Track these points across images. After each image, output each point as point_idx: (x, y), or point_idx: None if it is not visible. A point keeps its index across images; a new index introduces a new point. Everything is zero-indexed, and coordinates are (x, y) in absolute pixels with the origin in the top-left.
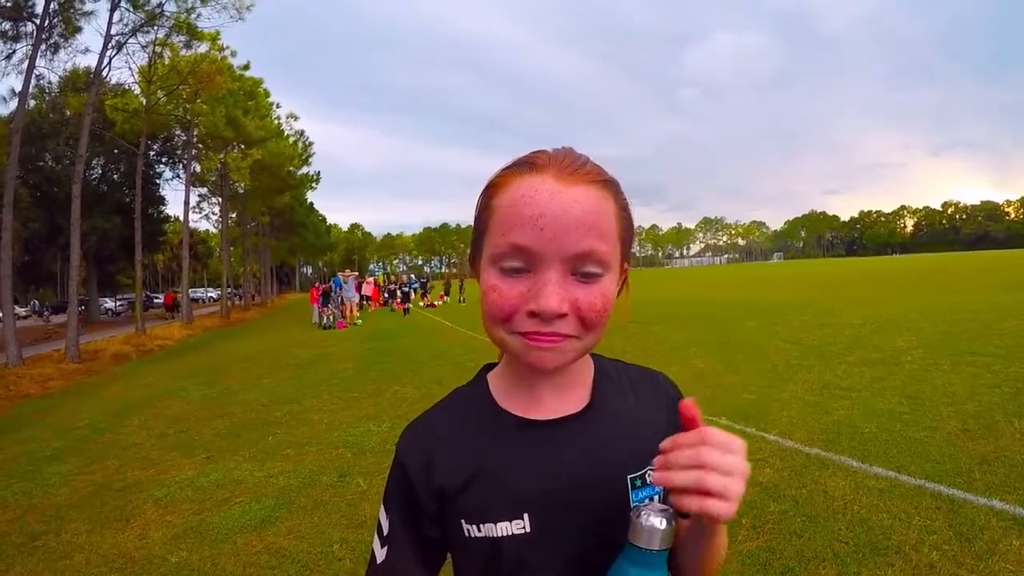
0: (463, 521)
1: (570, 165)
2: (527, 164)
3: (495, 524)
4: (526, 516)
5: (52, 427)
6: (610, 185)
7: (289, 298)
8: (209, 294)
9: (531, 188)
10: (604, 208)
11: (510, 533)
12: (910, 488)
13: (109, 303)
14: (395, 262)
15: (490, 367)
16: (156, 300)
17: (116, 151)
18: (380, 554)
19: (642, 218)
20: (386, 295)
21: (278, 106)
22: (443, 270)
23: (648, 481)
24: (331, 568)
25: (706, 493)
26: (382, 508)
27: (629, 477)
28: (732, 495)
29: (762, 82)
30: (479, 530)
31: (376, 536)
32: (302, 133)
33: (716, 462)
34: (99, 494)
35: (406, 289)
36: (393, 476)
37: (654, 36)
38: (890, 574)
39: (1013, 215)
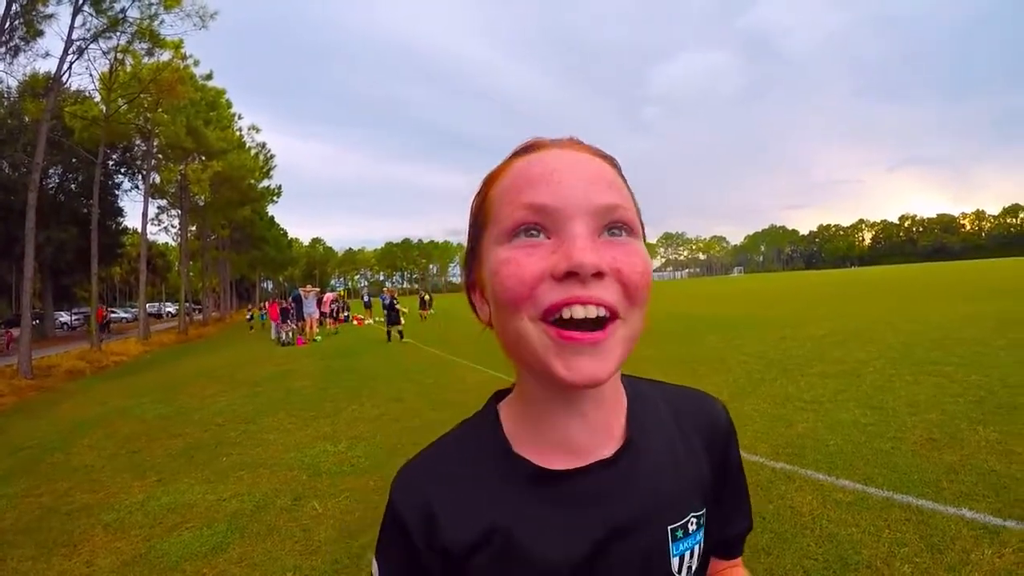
0: None
1: (574, 143)
2: (525, 147)
3: None
4: None
5: (0, 446)
6: (616, 162)
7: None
8: (167, 309)
9: (536, 157)
10: (618, 177)
11: None
12: (878, 500)
13: (64, 317)
14: (356, 277)
15: (502, 395)
16: (113, 314)
17: (74, 160)
18: None
19: None
20: (338, 309)
21: (240, 117)
22: (403, 285)
23: (690, 531)
24: None
25: None
26: (375, 562)
27: (669, 528)
28: None
29: (725, 100)
30: None
31: None
32: (263, 145)
33: None
34: (47, 518)
35: (398, 305)
36: (387, 526)
37: (620, 54)
38: None
39: (968, 227)
